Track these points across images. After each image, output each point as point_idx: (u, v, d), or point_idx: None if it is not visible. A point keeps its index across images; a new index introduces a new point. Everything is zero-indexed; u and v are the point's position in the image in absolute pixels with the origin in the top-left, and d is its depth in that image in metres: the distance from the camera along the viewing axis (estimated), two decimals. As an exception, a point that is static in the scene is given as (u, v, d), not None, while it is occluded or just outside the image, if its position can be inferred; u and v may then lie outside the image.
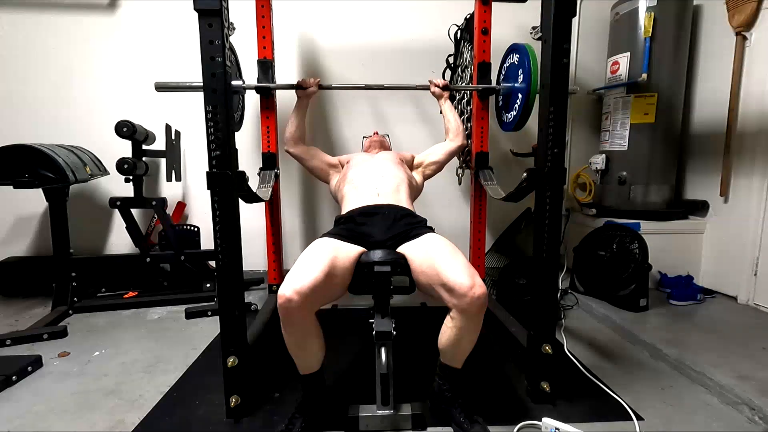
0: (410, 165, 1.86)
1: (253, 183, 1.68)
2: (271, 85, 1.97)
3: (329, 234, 1.32)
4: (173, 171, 2.27)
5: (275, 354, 1.34)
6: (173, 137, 2.29)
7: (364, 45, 2.58)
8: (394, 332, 1.17)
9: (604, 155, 2.49)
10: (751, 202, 2.08)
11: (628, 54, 2.33)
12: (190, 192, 2.66)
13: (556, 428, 1.16)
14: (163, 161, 2.39)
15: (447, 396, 1.24)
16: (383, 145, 1.93)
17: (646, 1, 2.26)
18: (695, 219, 2.38)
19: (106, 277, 2.43)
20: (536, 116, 1.39)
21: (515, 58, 1.83)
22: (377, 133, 2.00)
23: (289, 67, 2.54)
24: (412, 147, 2.14)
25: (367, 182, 1.56)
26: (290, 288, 1.06)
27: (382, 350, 1.17)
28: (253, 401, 1.32)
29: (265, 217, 2.20)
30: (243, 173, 1.30)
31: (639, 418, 1.25)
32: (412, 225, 1.36)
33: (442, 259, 1.17)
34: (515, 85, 1.82)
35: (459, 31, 2.25)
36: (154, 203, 2.23)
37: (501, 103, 2.02)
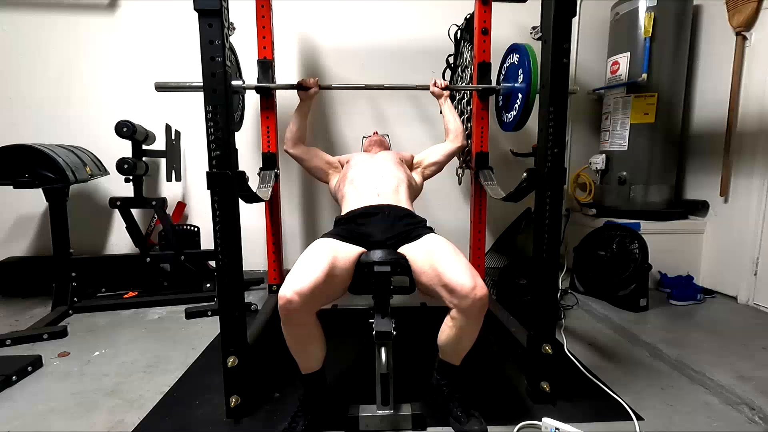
0: (410, 165, 1.86)
1: (253, 183, 1.68)
2: (270, 85, 1.97)
3: (329, 234, 1.32)
4: (173, 171, 2.27)
5: (275, 354, 1.34)
6: (173, 137, 2.29)
7: (364, 45, 2.58)
8: (394, 332, 1.17)
9: (604, 155, 2.49)
10: (751, 202, 2.08)
11: (628, 54, 2.33)
12: (190, 192, 2.66)
13: (556, 428, 1.16)
14: (163, 161, 2.39)
15: (445, 391, 1.25)
16: (383, 145, 1.93)
17: (646, 1, 2.27)
18: (695, 219, 2.38)
19: (106, 277, 2.43)
20: (536, 116, 1.39)
21: (515, 58, 1.83)
22: (377, 133, 2.00)
23: (289, 67, 2.54)
24: (412, 147, 2.14)
25: (367, 182, 1.56)
26: (290, 289, 1.06)
27: (382, 350, 1.17)
28: (253, 401, 1.32)
29: (265, 217, 2.20)
30: (243, 173, 1.30)
31: (639, 418, 1.25)
32: (412, 225, 1.37)
33: (443, 260, 1.17)
34: (515, 85, 1.82)
35: (459, 31, 2.25)
36: (154, 203, 2.23)
37: (501, 103, 2.02)
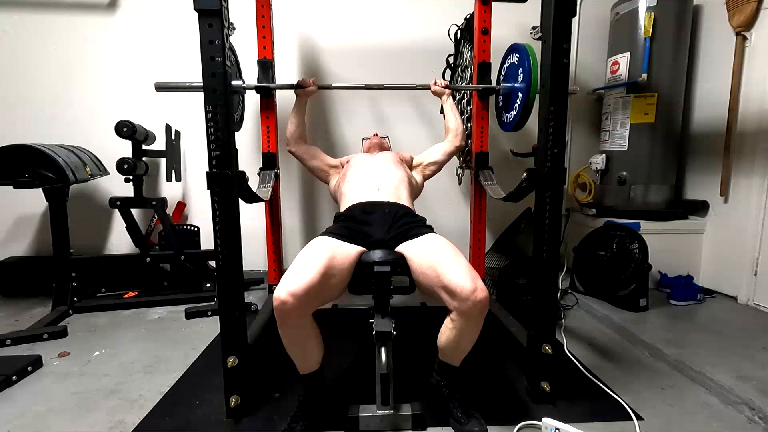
0: (409, 165, 1.86)
1: (253, 183, 1.68)
2: (270, 84, 1.97)
3: (328, 232, 1.31)
4: (173, 171, 2.27)
5: (275, 354, 1.34)
6: (173, 137, 2.29)
7: (364, 45, 2.58)
8: (394, 332, 1.17)
9: (604, 155, 2.49)
10: (751, 202, 2.08)
11: (628, 54, 2.33)
12: (190, 192, 2.66)
13: (556, 428, 1.16)
14: (163, 161, 2.39)
15: (444, 392, 1.25)
16: (383, 147, 1.93)
17: (646, 1, 2.27)
18: (695, 219, 2.38)
19: (106, 277, 2.43)
20: (536, 116, 1.39)
21: (515, 58, 1.84)
22: (377, 135, 1.99)
23: (289, 67, 2.54)
24: (412, 147, 2.14)
25: (367, 179, 1.56)
26: (284, 290, 1.06)
27: (382, 350, 1.17)
28: (253, 401, 1.32)
29: (265, 217, 2.20)
30: (243, 173, 1.30)
31: (639, 418, 1.25)
32: (411, 224, 1.36)
33: (443, 261, 1.16)
34: (515, 85, 1.82)
35: (459, 31, 2.25)
36: (154, 203, 2.23)
37: (501, 103, 2.02)
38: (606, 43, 2.55)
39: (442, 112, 2.03)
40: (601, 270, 2.20)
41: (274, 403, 1.34)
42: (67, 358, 1.67)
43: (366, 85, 2.00)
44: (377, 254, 1.25)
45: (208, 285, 2.39)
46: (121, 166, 2.12)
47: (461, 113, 2.20)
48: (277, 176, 2.06)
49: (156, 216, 2.41)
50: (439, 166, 1.92)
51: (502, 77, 1.99)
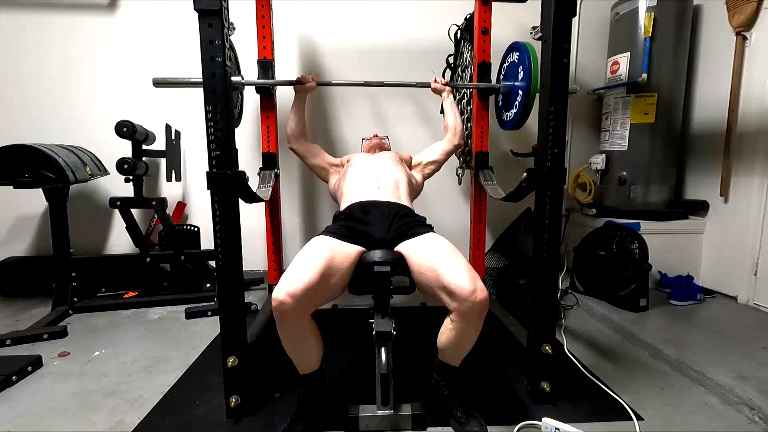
0: (409, 165, 1.86)
1: (253, 183, 1.68)
2: (269, 81, 1.96)
3: (328, 232, 1.31)
4: (173, 171, 2.27)
5: (275, 354, 1.34)
6: (173, 137, 2.29)
7: (364, 45, 2.58)
8: (394, 332, 1.17)
9: (604, 155, 2.49)
10: (751, 202, 2.08)
11: (628, 54, 2.33)
12: (190, 192, 2.66)
13: (556, 428, 1.16)
14: (163, 161, 2.39)
15: (444, 392, 1.25)
16: (382, 148, 1.92)
17: (646, 1, 2.26)
18: (695, 219, 2.38)
19: (106, 277, 2.43)
20: (536, 116, 1.39)
21: (516, 56, 1.83)
22: (377, 136, 1.99)
23: (289, 67, 2.54)
24: (412, 147, 2.14)
25: (368, 178, 1.56)
26: (283, 290, 1.06)
27: (382, 350, 1.17)
28: (253, 401, 1.32)
29: (265, 217, 2.20)
30: (243, 173, 1.30)
31: (639, 418, 1.25)
32: (411, 223, 1.35)
33: (442, 261, 1.16)
34: (515, 83, 1.82)
35: (459, 31, 2.25)
36: (154, 203, 2.23)
37: (501, 101, 2.02)
38: (606, 43, 2.55)
39: (442, 111, 2.02)
40: (601, 270, 2.20)
41: (274, 403, 1.34)
42: (67, 358, 1.67)
43: (366, 81, 1.99)
44: (377, 254, 1.25)
45: (208, 285, 2.39)
46: (121, 166, 2.12)
47: (461, 113, 2.20)
48: (277, 176, 2.06)
49: (156, 216, 2.41)
50: (438, 165, 1.92)
51: (502, 76, 1.99)
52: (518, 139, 2.60)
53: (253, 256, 2.55)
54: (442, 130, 2.50)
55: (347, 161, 1.79)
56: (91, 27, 2.49)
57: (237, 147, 1.28)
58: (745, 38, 2.10)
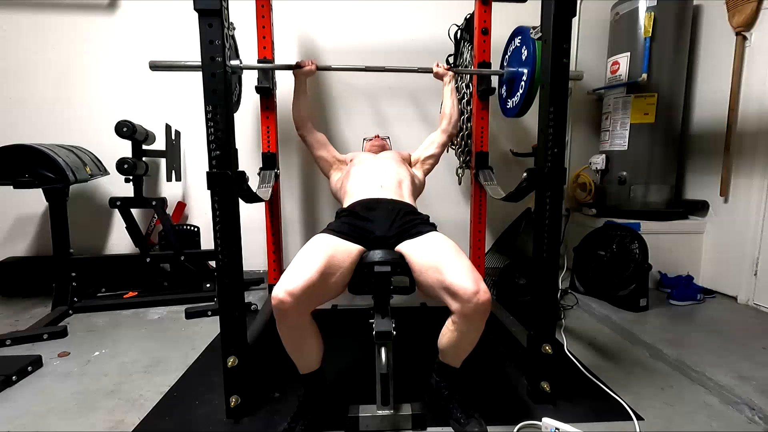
0: (409, 163, 1.86)
1: (253, 183, 1.68)
2: (267, 65, 1.95)
3: (329, 229, 1.30)
4: (173, 171, 2.27)
5: (275, 354, 1.34)
6: (173, 137, 2.29)
7: (364, 45, 2.58)
8: (394, 332, 1.17)
9: (604, 155, 2.49)
10: (751, 202, 2.08)
11: (628, 54, 2.33)
12: (190, 192, 2.66)
13: (556, 428, 1.16)
14: (163, 161, 2.39)
15: (444, 393, 1.24)
16: (384, 149, 1.92)
17: (646, 1, 2.27)
18: (695, 219, 2.38)
19: (106, 277, 2.43)
20: (537, 116, 1.38)
21: (522, 43, 1.80)
22: (378, 136, 1.99)
23: (289, 67, 2.54)
24: (413, 147, 2.14)
25: (370, 177, 1.56)
26: (283, 289, 1.05)
27: (382, 350, 1.17)
28: (253, 401, 1.32)
29: (265, 217, 2.20)
30: (243, 173, 1.30)
31: (639, 418, 1.25)
32: (414, 222, 1.34)
33: (445, 261, 1.15)
34: (519, 68, 1.79)
35: (459, 31, 2.25)
36: (154, 203, 2.23)
37: (504, 88, 1.99)
38: (606, 43, 2.55)
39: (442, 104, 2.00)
40: (601, 270, 2.20)
41: (274, 403, 1.34)
42: (67, 358, 1.67)
43: (366, 66, 1.96)
44: (377, 254, 1.25)
45: (208, 285, 2.39)
46: (121, 166, 2.12)
47: (461, 113, 2.20)
48: (277, 176, 2.05)
49: (156, 216, 2.41)
50: (436, 158, 1.91)
51: (506, 62, 1.96)
52: (518, 139, 2.60)
53: (253, 256, 2.55)
54: (442, 130, 2.49)
55: (350, 160, 1.79)
56: (91, 27, 2.49)
57: (237, 147, 1.28)
58: (745, 38, 2.10)
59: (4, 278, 2.42)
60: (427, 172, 1.89)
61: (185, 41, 2.49)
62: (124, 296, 2.33)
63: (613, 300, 2.12)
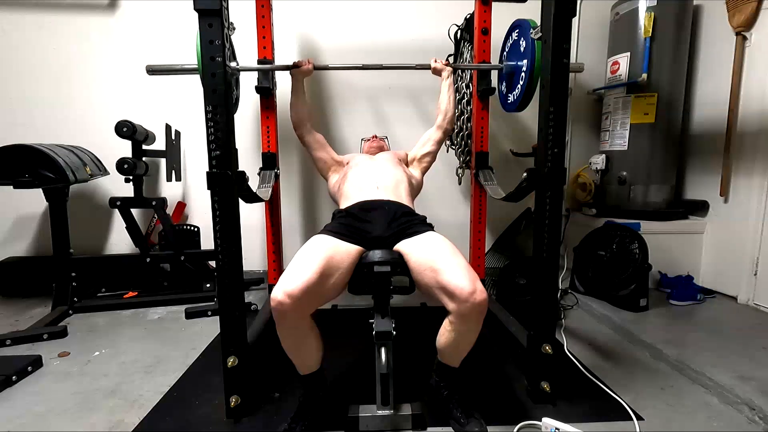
0: (406, 162, 1.85)
1: (253, 183, 1.68)
2: (266, 66, 1.95)
3: (327, 230, 1.31)
4: (173, 171, 2.27)
5: (275, 354, 1.34)
6: (173, 137, 2.29)
7: (364, 45, 2.58)
8: (394, 332, 1.17)
9: (604, 155, 2.49)
10: (751, 202, 2.08)
11: (628, 54, 2.33)
12: (190, 192, 2.66)
13: (556, 428, 1.16)
14: (163, 161, 2.39)
15: (444, 393, 1.24)
16: (382, 149, 1.91)
17: (646, 1, 2.26)
18: (695, 219, 2.38)
19: (106, 277, 2.43)
20: (537, 116, 1.38)
21: (519, 34, 1.79)
22: (376, 137, 1.98)
23: (289, 67, 2.54)
24: (412, 147, 2.14)
25: (367, 178, 1.56)
26: (281, 291, 1.05)
27: (382, 350, 1.17)
28: (253, 401, 1.32)
29: (265, 216, 2.20)
30: (243, 173, 1.31)
31: (639, 418, 1.25)
32: (411, 222, 1.35)
33: (441, 261, 1.15)
34: (518, 62, 1.77)
35: (459, 31, 2.25)
36: (154, 203, 2.23)
37: (504, 83, 1.97)
38: (606, 43, 2.55)
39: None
40: (601, 270, 2.20)
41: (274, 403, 1.34)
42: (67, 358, 1.67)
43: (363, 65, 1.95)
44: (377, 254, 1.25)
45: (208, 285, 2.39)
46: (121, 166, 2.12)
47: (461, 114, 2.20)
48: (277, 176, 2.05)
49: (156, 216, 2.41)
50: (433, 156, 1.89)
51: (505, 55, 1.94)
52: (518, 139, 2.60)
53: (253, 256, 2.55)
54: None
55: (347, 163, 1.79)
56: (91, 27, 2.49)
57: (237, 147, 1.28)
58: (745, 38, 2.10)
59: (4, 278, 2.42)
60: (424, 171, 1.88)
61: (185, 41, 2.49)
62: (124, 296, 2.33)
63: (613, 300, 2.12)
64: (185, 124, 2.47)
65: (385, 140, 2.01)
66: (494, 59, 1.99)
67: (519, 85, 1.78)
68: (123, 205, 2.20)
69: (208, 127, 1.18)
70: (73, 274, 2.16)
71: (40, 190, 2.06)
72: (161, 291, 2.41)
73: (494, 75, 2.04)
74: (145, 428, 1.23)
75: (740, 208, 2.14)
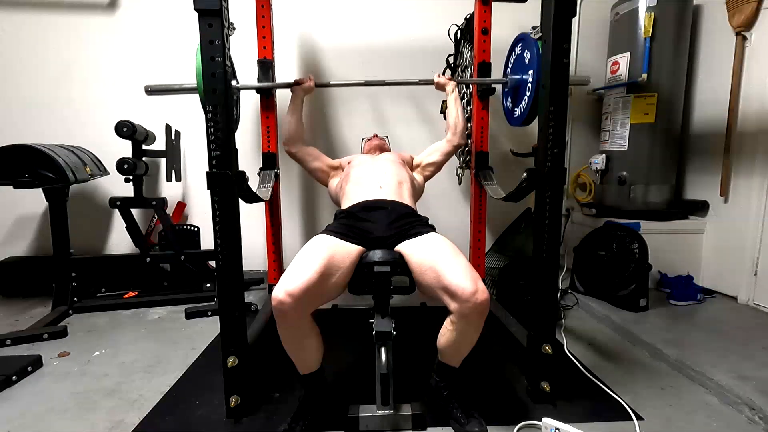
0: (410, 165, 1.85)
1: (253, 183, 1.68)
2: (267, 84, 1.96)
3: (328, 230, 1.31)
4: (173, 171, 2.27)
5: (275, 354, 1.34)
6: (173, 137, 2.29)
7: (364, 45, 2.58)
8: (394, 332, 1.17)
9: (604, 155, 2.49)
10: (751, 202, 2.08)
11: (628, 54, 2.33)
12: (190, 192, 2.66)
13: (556, 428, 1.16)
14: (163, 161, 2.39)
15: (444, 393, 1.25)
16: (383, 148, 1.91)
17: (646, 1, 2.26)
18: (695, 219, 2.38)
19: (106, 277, 2.43)
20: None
21: (523, 48, 1.79)
22: (377, 136, 1.98)
23: (289, 67, 2.54)
24: (412, 147, 2.14)
25: (370, 178, 1.55)
26: (282, 290, 1.06)
27: (382, 350, 1.17)
28: (253, 401, 1.32)
29: (265, 216, 2.20)
30: (243, 173, 1.30)
31: (639, 418, 1.25)
32: (412, 223, 1.35)
33: (443, 261, 1.15)
34: (523, 75, 1.77)
35: (459, 31, 2.25)
36: (154, 203, 2.23)
37: (509, 97, 1.97)
38: (606, 43, 2.55)
39: (442, 112, 2.00)
40: (601, 270, 2.20)
41: (274, 403, 1.34)
42: (67, 358, 1.67)
43: (366, 81, 1.97)
44: (377, 254, 1.25)
45: (208, 285, 2.39)
46: (121, 166, 2.12)
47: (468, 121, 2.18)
48: (277, 176, 2.05)
49: (156, 216, 2.41)
50: (438, 167, 1.88)
51: (509, 70, 1.94)
52: (518, 139, 2.60)
53: (253, 256, 2.55)
54: (443, 130, 2.48)
55: (348, 163, 1.78)
56: (91, 27, 2.49)
57: (237, 147, 1.28)
58: (745, 38, 2.10)
59: (4, 278, 2.42)
60: (427, 179, 1.87)
61: (185, 42, 2.49)
62: (124, 296, 2.33)
63: (613, 300, 2.12)
64: (185, 124, 2.47)
65: (386, 139, 2.00)
66: (494, 59, 1.99)
67: (525, 97, 1.77)
68: (123, 205, 2.20)
69: (208, 127, 1.18)
70: (73, 274, 2.17)
71: (40, 190, 2.06)
72: (161, 291, 2.41)
73: (504, 116, 2.01)
74: (145, 428, 1.23)
75: (740, 208, 2.14)
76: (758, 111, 2.05)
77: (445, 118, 2.00)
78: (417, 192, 1.73)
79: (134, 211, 2.30)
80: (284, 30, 2.48)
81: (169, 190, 2.60)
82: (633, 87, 2.32)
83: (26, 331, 1.85)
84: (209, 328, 1.95)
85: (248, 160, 2.40)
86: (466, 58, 2.17)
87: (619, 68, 2.38)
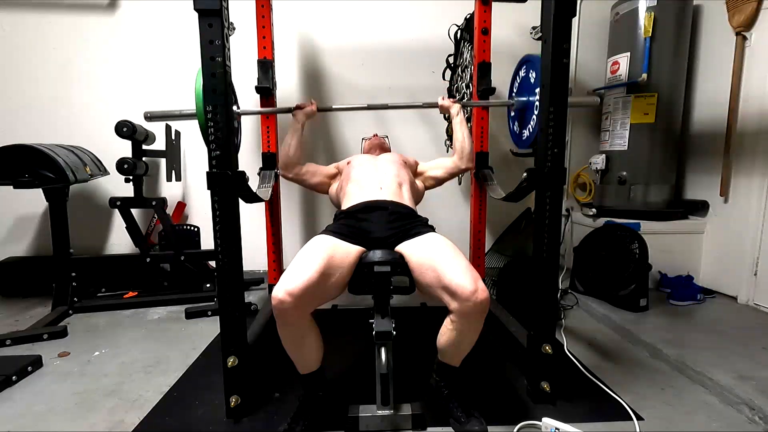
0: (413, 170, 1.81)
1: (253, 183, 1.68)
2: (265, 110, 1.96)
3: (328, 231, 1.31)
4: (173, 171, 2.27)
5: (275, 354, 1.34)
6: (173, 137, 2.29)
7: (364, 45, 2.58)
8: (394, 332, 1.17)
9: (604, 155, 2.49)
10: (751, 202, 2.08)
11: (628, 54, 2.33)
12: (190, 192, 2.66)
13: (556, 428, 1.16)
14: (163, 161, 2.39)
15: (444, 393, 1.25)
16: (383, 148, 1.90)
17: (646, 1, 2.26)
18: (695, 219, 2.38)
19: (106, 277, 2.43)
20: (536, 116, 1.39)
21: (528, 70, 1.78)
22: (377, 135, 1.98)
23: (289, 67, 2.54)
24: (413, 148, 2.15)
25: (370, 178, 1.55)
26: (282, 290, 1.06)
27: (382, 350, 1.17)
28: (253, 401, 1.32)
29: (265, 216, 2.20)
30: (243, 173, 1.30)
31: (639, 418, 1.25)
32: (412, 223, 1.35)
33: (443, 261, 1.16)
34: (530, 98, 1.74)
35: (459, 31, 2.25)
36: (154, 203, 2.23)
37: (516, 119, 1.94)
38: (606, 43, 2.55)
39: (448, 134, 1.95)
40: (601, 270, 2.20)
41: (274, 403, 1.34)
42: (67, 358, 1.67)
43: (369, 105, 1.95)
44: (377, 254, 1.25)
45: (208, 285, 2.39)
46: (121, 166, 2.12)
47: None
48: (277, 176, 2.05)
49: (156, 216, 2.41)
50: (439, 182, 1.82)
51: (514, 91, 1.92)
52: (518, 139, 2.60)
53: (253, 256, 2.54)
54: (442, 130, 2.50)
55: (347, 163, 1.77)
56: (91, 27, 2.49)
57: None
58: (745, 38, 2.10)
59: (4, 278, 2.42)
60: (426, 188, 1.83)
61: (185, 41, 2.49)
62: (124, 296, 2.33)
63: (613, 300, 2.12)
64: (185, 124, 2.46)
65: (386, 139, 2.00)
66: (494, 59, 1.99)
67: (533, 118, 1.73)
68: (123, 205, 2.20)
69: (208, 127, 1.18)
70: (73, 274, 2.16)
71: (40, 190, 2.06)
72: (161, 291, 2.41)
73: (503, 115, 1.98)
74: (145, 428, 1.23)
75: (740, 208, 2.14)
76: (758, 111, 2.05)
77: (449, 139, 1.95)
78: (417, 195, 1.71)
79: (134, 211, 2.30)
80: (284, 30, 2.48)
81: (169, 190, 2.60)
82: (633, 87, 2.32)
83: (26, 331, 1.85)
84: (209, 328, 1.95)
85: (248, 160, 2.40)
86: (466, 58, 2.17)
87: (619, 68, 2.38)
